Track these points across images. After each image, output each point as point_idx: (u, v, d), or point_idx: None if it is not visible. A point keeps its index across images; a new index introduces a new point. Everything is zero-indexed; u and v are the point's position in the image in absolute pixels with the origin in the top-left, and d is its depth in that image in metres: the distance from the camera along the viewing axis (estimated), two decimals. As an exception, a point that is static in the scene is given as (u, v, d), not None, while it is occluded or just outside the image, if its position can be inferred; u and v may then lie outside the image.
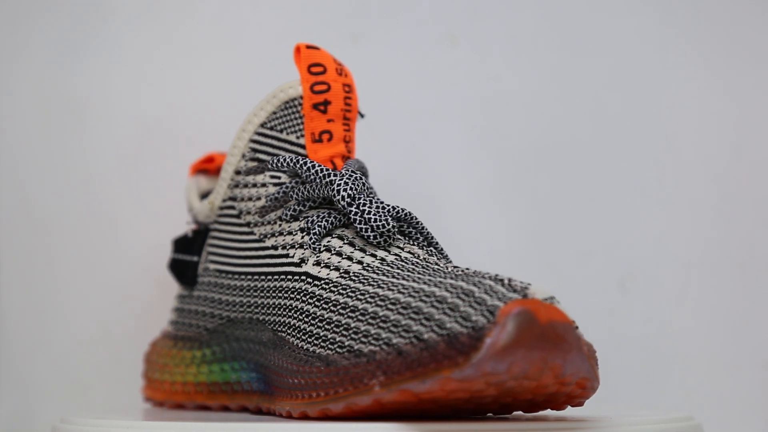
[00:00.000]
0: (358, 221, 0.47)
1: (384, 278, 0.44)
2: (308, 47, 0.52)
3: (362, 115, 0.53)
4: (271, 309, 0.49)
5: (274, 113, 0.52)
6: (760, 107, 0.69)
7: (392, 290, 0.43)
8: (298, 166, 0.49)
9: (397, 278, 0.44)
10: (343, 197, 0.47)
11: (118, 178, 0.71)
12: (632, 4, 0.70)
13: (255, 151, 0.52)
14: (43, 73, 0.72)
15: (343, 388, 0.42)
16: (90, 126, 0.72)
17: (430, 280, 0.42)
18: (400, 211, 0.48)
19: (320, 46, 0.53)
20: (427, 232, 0.48)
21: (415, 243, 0.48)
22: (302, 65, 0.51)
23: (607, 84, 0.70)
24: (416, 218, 0.48)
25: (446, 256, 0.48)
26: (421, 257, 0.46)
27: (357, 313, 0.43)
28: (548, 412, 0.51)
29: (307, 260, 0.48)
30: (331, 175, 0.48)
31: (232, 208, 0.53)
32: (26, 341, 0.71)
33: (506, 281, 0.41)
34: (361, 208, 0.47)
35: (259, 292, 0.50)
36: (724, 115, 0.69)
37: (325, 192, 0.49)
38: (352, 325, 0.43)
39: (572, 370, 0.39)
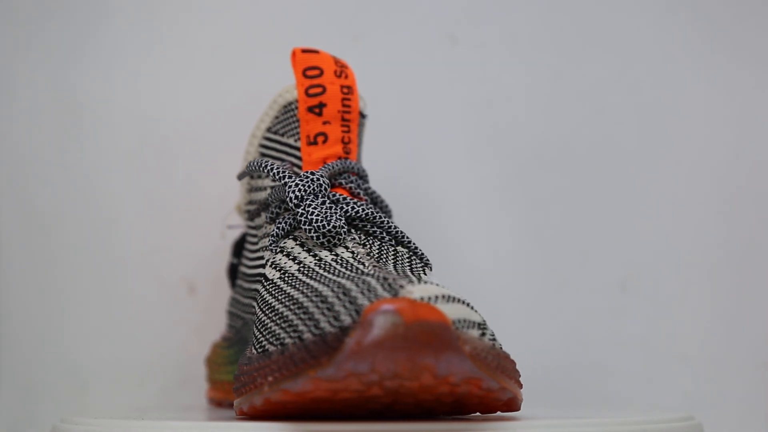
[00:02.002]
0: (302, 222, 0.47)
1: (305, 279, 0.45)
2: (304, 51, 0.52)
3: (363, 116, 0.53)
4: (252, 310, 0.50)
5: (277, 117, 0.53)
6: (761, 107, 0.69)
7: (298, 290, 0.43)
8: (260, 168, 0.50)
9: (313, 279, 0.44)
10: (290, 198, 0.48)
11: (118, 178, 0.71)
12: (632, 4, 0.70)
13: (263, 155, 0.53)
14: (43, 73, 0.72)
15: (247, 388, 0.43)
16: (90, 126, 0.72)
17: (329, 279, 0.43)
18: (360, 210, 0.48)
19: (320, 49, 0.53)
20: (396, 231, 0.48)
21: (376, 241, 0.48)
22: (298, 69, 0.52)
23: (607, 84, 0.70)
24: (380, 217, 0.48)
25: (420, 255, 0.48)
26: (359, 257, 0.46)
27: (273, 314, 0.44)
28: (542, 413, 0.51)
29: (268, 262, 0.48)
30: (286, 177, 0.49)
31: (248, 212, 0.55)
32: (26, 341, 0.71)
33: (390, 280, 0.40)
34: (306, 209, 0.47)
35: (254, 293, 0.51)
36: (725, 116, 0.69)
37: (282, 194, 0.49)
38: (269, 325, 0.44)
39: (450, 370, 0.39)
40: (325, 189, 0.48)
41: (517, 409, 0.44)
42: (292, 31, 0.71)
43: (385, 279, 0.41)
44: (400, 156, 0.69)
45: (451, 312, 0.40)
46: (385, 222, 0.48)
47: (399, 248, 0.48)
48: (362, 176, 0.52)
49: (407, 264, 0.47)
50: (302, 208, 0.48)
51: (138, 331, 0.69)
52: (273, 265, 0.47)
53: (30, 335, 0.71)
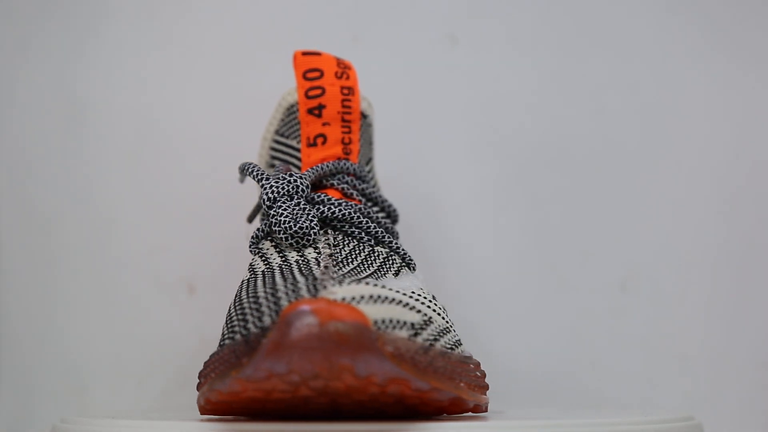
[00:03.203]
0: (272, 223, 0.48)
1: (259, 280, 0.45)
2: (304, 54, 0.52)
3: (364, 116, 0.53)
4: None
5: (282, 120, 0.53)
6: (761, 107, 0.69)
7: (246, 292, 0.44)
8: (244, 170, 0.50)
9: (264, 280, 0.45)
10: (264, 200, 0.48)
11: (118, 178, 0.71)
12: (632, 4, 0.70)
13: (273, 157, 0.53)
14: (43, 74, 0.72)
15: (200, 384, 0.44)
16: (90, 126, 0.72)
17: (274, 280, 0.43)
18: (337, 211, 0.48)
19: (322, 51, 0.53)
20: (377, 231, 0.49)
21: (353, 241, 0.48)
22: (298, 72, 0.52)
23: (608, 84, 0.70)
24: (359, 217, 0.49)
25: (402, 255, 0.49)
26: (321, 258, 0.46)
27: (228, 313, 0.44)
28: (542, 413, 0.51)
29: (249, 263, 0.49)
30: (264, 179, 0.49)
31: (251, 214, 0.55)
32: (26, 341, 0.71)
33: (319, 281, 0.41)
34: (277, 210, 0.48)
35: None
36: (725, 116, 0.69)
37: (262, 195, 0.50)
38: (226, 323, 0.44)
39: (370, 371, 0.39)
40: (302, 190, 0.48)
41: (467, 410, 0.43)
42: (292, 31, 0.71)
43: (315, 280, 0.41)
44: (400, 156, 0.69)
45: (375, 312, 0.40)
46: (364, 222, 0.48)
47: (378, 248, 0.48)
48: (360, 177, 0.52)
49: (378, 264, 0.47)
50: (273, 209, 0.48)
51: (138, 331, 0.69)
52: (249, 266, 0.48)
53: (30, 335, 0.71)
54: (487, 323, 0.69)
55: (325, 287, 0.40)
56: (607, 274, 0.69)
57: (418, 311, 0.42)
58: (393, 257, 0.48)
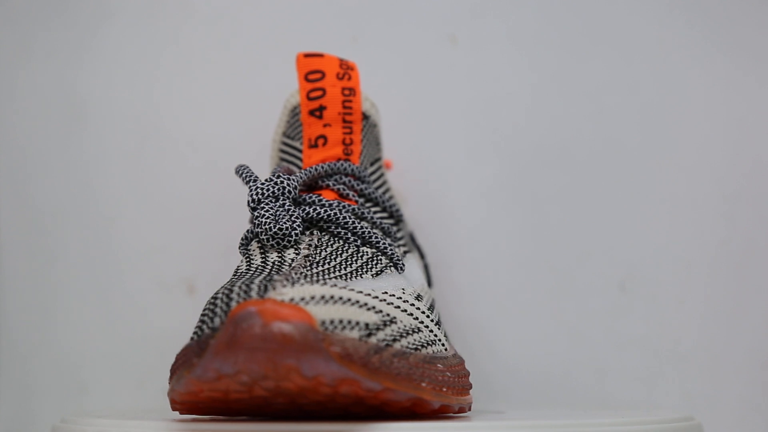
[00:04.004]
0: (255, 225, 0.48)
1: (234, 280, 0.45)
2: (306, 55, 0.53)
3: (366, 117, 0.53)
4: None
5: (288, 122, 0.53)
6: (761, 107, 0.69)
7: (215, 292, 0.44)
8: (238, 172, 0.50)
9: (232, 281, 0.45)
10: (248, 202, 0.48)
11: (118, 178, 0.71)
12: (633, 4, 0.70)
13: (282, 159, 0.53)
14: (43, 74, 0.72)
15: (169, 379, 0.44)
16: (90, 126, 0.72)
17: (235, 281, 0.43)
18: (322, 212, 0.48)
19: (325, 53, 0.53)
20: (364, 231, 0.49)
21: (339, 242, 0.48)
22: (300, 74, 0.52)
23: (608, 84, 0.70)
24: (344, 218, 0.49)
25: (390, 255, 0.49)
26: (297, 258, 0.46)
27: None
28: (542, 413, 0.50)
29: None
30: (251, 180, 0.49)
31: None
32: (26, 341, 0.71)
33: (271, 282, 0.41)
34: (260, 212, 0.48)
35: None
36: (725, 116, 0.69)
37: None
38: None
39: (316, 371, 0.39)
40: (289, 191, 0.48)
41: (433, 410, 0.43)
42: (292, 31, 0.71)
43: (268, 280, 0.41)
44: (400, 156, 0.69)
45: (324, 313, 0.40)
46: (350, 223, 0.49)
47: (364, 248, 0.48)
48: (359, 177, 0.52)
49: (359, 264, 0.47)
50: (257, 211, 0.48)
51: (138, 331, 0.69)
52: (236, 268, 0.48)
53: (30, 335, 0.71)
54: (486, 323, 0.69)
55: (274, 288, 0.40)
56: (607, 274, 0.69)
57: (379, 311, 0.42)
58: (379, 257, 0.48)
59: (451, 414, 0.45)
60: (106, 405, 0.69)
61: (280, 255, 0.47)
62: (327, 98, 0.52)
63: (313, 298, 0.40)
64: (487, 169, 0.70)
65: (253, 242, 0.49)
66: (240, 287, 0.41)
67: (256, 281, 0.41)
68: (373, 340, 0.41)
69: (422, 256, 0.61)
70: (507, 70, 0.71)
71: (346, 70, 0.52)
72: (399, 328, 0.43)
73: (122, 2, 0.72)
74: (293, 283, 0.41)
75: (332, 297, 0.41)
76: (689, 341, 0.68)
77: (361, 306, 0.41)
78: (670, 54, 0.70)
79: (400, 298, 0.45)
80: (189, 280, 0.69)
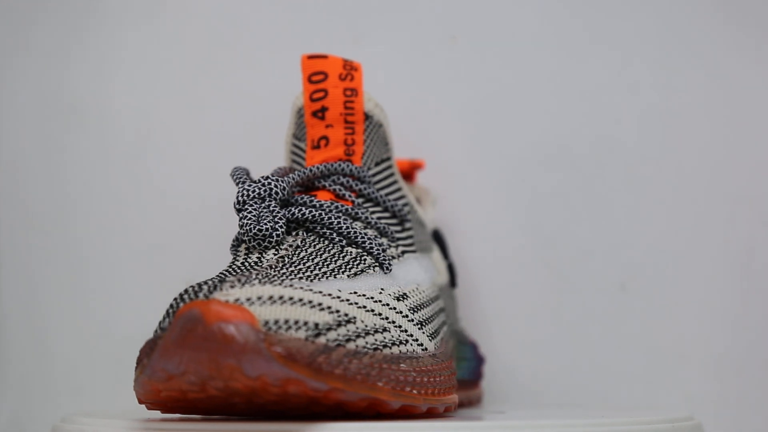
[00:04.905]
0: (239, 226, 0.48)
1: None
2: (310, 57, 0.53)
3: (367, 117, 0.53)
4: None
5: (296, 124, 0.54)
6: (761, 107, 0.69)
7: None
8: (231, 175, 0.51)
9: None
10: (234, 204, 0.49)
11: (119, 178, 0.71)
12: (633, 3, 0.70)
13: (292, 161, 0.54)
14: (42, 74, 0.72)
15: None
16: (90, 125, 0.72)
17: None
18: (307, 213, 0.49)
19: (329, 54, 0.53)
20: (349, 231, 0.49)
21: (324, 242, 0.48)
22: (304, 75, 0.53)
23: (607, 84, 0.70)
24: (329, 218, 0.49)
25: (376, 255, 0.49)
26: (270, 260, 0.47)
27: None
28: (542, 413, 0.51)
29: None
30: (239, 183, 0.49)
31: None
32: (26, 341, 0.71)
33: (223, 282, 0.41)
34: (244, 214, 0.48)
35: None
36: (725, 116, 0.69)
37: None
38: None
39: (259, 371, 0.39)
40: (276, 193, 0.49)
41: (391, 411, 0.42)
42: (292, 31, 0.71)
43: (219, 281, 0.41)
44: (399, 156, 0.69)
45: (269, 313, 0.40)
46: (335, 223, 0.49)
47: (349, 248, 0.48)
48: (359, 177, 0.52)
49: (339, 264, 0.47)
50: (242, 213, 0.48)
51: (138, 331, 0.69)
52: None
53: (30, 335, 0.71)
54: (486, 323, 0.69)
55: (221, 289, 0.40)
56: (608, 274, 0.69)
57: (336, 311, 0.42)
58: (363, 257, 0.48)
59: (418, 413, 0.44)
60: (105, 405, 0.69)
61: (259, 256, 0.47)
62: (329, 99, 0.52)
63: (260, 298, 0.40)
64: (487, 168, 0.70)
65: (242, 244, 0.49)
66: (193, 288, 0.41)
67: (209, 282, 0.41)
68: (321, 340, 0.41)
69: (445, 256, 0.61)
70: (507, 70, 0.71)
71: (349, 70, 0.53)
72: (357, 327, 0.43)
73: (122, 2, 0.72)
74: (243, 284, 0.41)
75: (281, 297, 0.41)
76: (689, 341, 0.68)
77: (313, 306, 0.41)
78: (670, 54, 0.70)
79: (372, 298, 0.45)
80: (189, 280, 0.69)
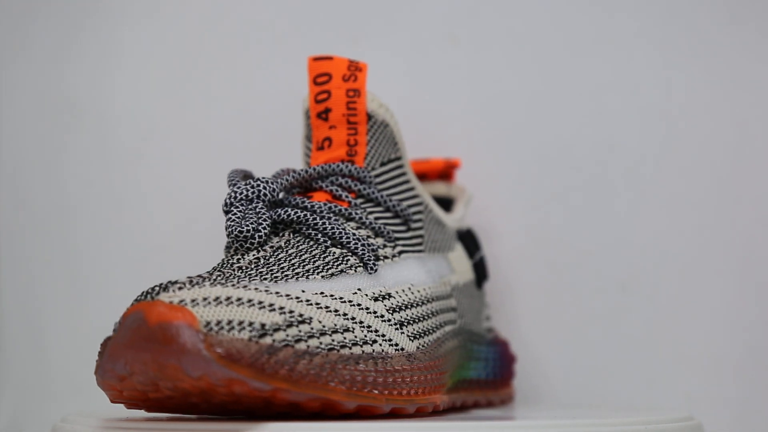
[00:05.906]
0: (225, 228, 0.48)
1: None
2: (315, 59, 0.53)
3: (371, 117, 0.53)
4: None
5: (306, 126, 0.54)
6: (761, 107, 0.69)
7: None
8: (228, 177, 0.51)
9: None
10: (222, 206, 0.49)
11: (118, 178, 0.71)
12: (633, 3, 0.70)
13: (306, 163, 0.54)
14: (42, 74, 0.72)
15: None
16: (90, 126, 0.72)
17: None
18: (292, 214, 0.49)
19: (334, 55, 0.53)
20: (334, 232, 0.49)
21: (309, 242, 0.49)
22: (310, 77, 0.53)
23: (608, 84, 0.70)
24: (314, 219, 0.49)
25: (361, 255, 0.49)
26: (251, 262, 0.47)
27: None
28: (542, 413, 0.51)
29: None
30: (231, 184, 0.50)
31: None
32: (26, 341, 0.71)
33: (172, 284, 0.41)
34: (230, 216, 0.48)
35: None
36: (725, 116, 0.69)
37: None
38: None
39: (199, 371, 0.39)
40: (265, 194, 0.49)
41: (347, 411, 0.42)
42: (292, 31, 0.71)
43: (171, 283, 0.42)
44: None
45: (212, 314, 0.40)
46: (320, 224, 0.49)
47: (333, 249, 0.48)
48: (359, 178, 0.52)
49: (318, 264, 0.47)
50: (228, 214, 0.48)
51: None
52: None
53: (30, 335, 0.71)
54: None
55: (168, 290, 0.41)
56: (608, 274, 0.69)
57: (289, 312, 0.42)
58: (347, 257, 0.48)
59: (382, 414, 0.44)
60: (105, 405, 0.69)
61: (240, 257, 0.47)
62: (332, 100, 0.52)
63: (205, 299, 0.41)
64: (487, 168, 0.70)
65: (232, 246, 0.49)
66: (148, 289, 0.41)
67: (162, 284, 0.42)
68: (267, 340, 0.41)
69: (470, 255, 0.61)
70: (507, 70, 0.71)
71: (353, 71, 0.53)
72: (312, 328, 0.42)
73: (122, 2, 0.72)
74: (193, 285, 0.41)
75: (228, 298, 0.41)
76: (689, 341, 0.68)
77: (263, 307, 0.41)
78: (670, 54, 0.70)
79: (340, 298, 0.45)
80: (189, 280, 0.69)
